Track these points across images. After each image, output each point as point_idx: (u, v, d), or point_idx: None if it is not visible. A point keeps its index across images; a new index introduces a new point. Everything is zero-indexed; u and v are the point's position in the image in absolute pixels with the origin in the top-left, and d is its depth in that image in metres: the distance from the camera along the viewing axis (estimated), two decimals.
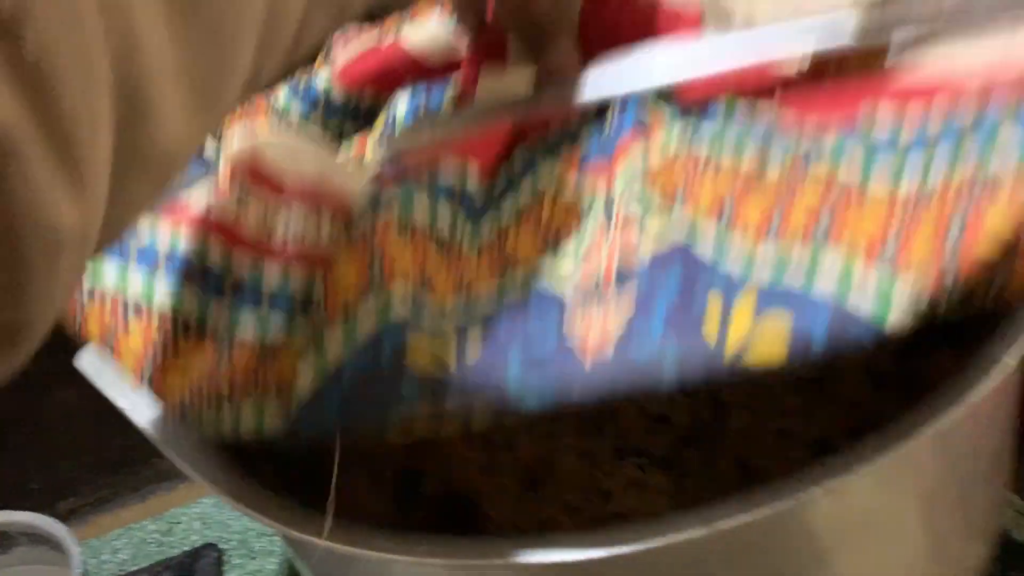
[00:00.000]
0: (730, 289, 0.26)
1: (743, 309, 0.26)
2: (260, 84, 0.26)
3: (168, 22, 0.21)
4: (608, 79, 0.35)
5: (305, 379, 0.28)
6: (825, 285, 0.26)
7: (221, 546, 0.63)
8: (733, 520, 0.26)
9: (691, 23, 0.37)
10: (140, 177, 0.21)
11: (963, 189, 0.25)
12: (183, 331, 0.32)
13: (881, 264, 0.25)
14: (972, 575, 0.40)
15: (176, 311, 0.32)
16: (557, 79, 0.38)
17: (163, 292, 0.33)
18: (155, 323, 0.32)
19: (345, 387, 0.28)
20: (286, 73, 0.28)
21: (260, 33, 0.23)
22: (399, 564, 0.33)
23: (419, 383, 0.27)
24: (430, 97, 0.41)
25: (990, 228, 0.24)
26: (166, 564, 0.62)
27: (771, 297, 0.26)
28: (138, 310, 0.32)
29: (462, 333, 0.29)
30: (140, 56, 0.20)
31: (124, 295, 0.33)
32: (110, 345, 0.33)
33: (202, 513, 0.66)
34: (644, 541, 0.27)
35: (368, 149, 0.42)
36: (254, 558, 0.62)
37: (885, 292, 0.25)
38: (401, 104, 0.41)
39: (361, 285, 0.29)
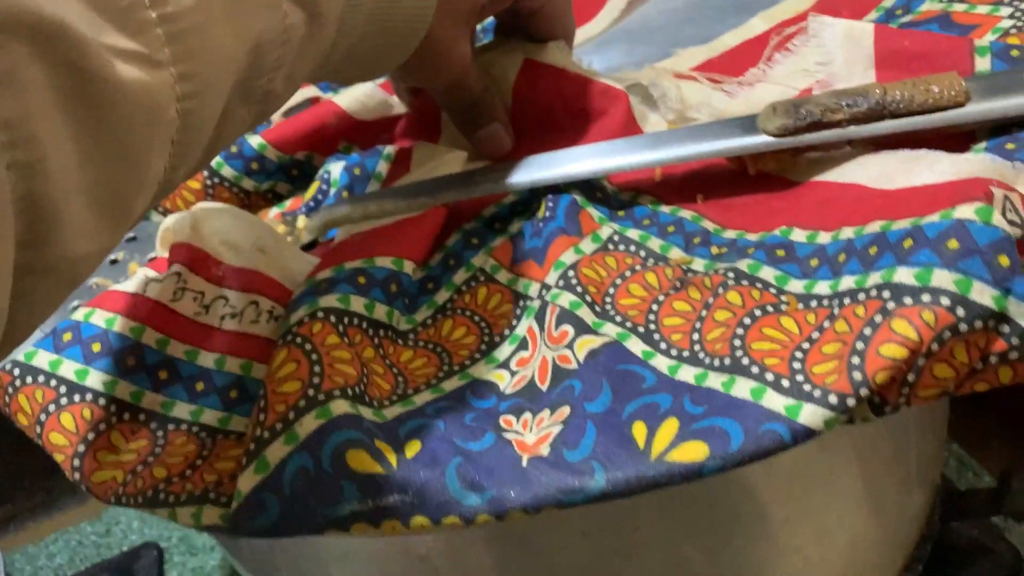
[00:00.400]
0: (653, 418, 0.27)
1: (667, 427, 0.27)
2: (176, 184, 0.26)
3: (75, 142, 0.20)
4: (540, 166, 0.36)
5: (245, 482, 0.28)
6: (740, 392, 0.27)
7: (161, 544, 0.61)
8: None
9: (619, 98, 0.38)
10: (46, 287, 0.21)
11: (872, 306, 0.26)
12: (119, 415, 0.32)
13: (792, 367, 0.26)
14: (913, 525, 0.40)
15: (110, 397, 0.32)
16: (490, 165, 0.38)
17: (97, 379, 0.32)
18: (89, 406, 0.32)
19: (285, 487, 0.27)
20: (207, 162, 0.28)
21: (174, 141, 0.23)
22: (326, 541, 0.33)
23: (359, 482, 0.27)
24: (364, 161, 0.41)
25: (897, 331, 0.25)
26: (104, 566, 0.60)
27: (691, 422, 0.27)
28: (71, 393, 0.32)
29: (401, 431, 0.29)
30: (45, 175, 0.20)
31: (57, 379, 0.33)
32: (40, 424, 0.32)
33: (141, 512, 0.64)
34: None
35: (301, 215, 0.42)
36: (195, 555, 0.61)
37: (797, 389, 0.26)
38: (335, 167, 0.41)
39: (301, 391, 0.29)
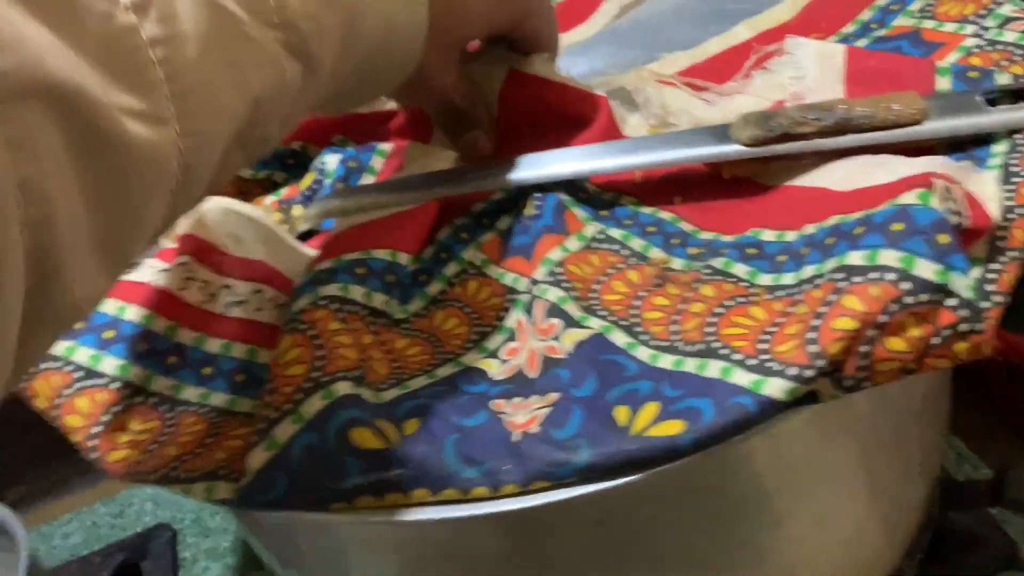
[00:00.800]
0: (635, 402, 0.29)
1: (648, 409, 0.29)
2: (169, 228, 0.27)
3: (83, 196, 0.21)
4: (526, 166, 0.38)
5: (255, 459, 0.30)
6: (712, 372, 0.29)
7: (175, 525, 0.62)
8: (675, 464, 0.28)
9: (600, 104, 0.40)
10: (48, 331, 0.22)
11: (827, 288, 0.28)
12: (131, 398, 0.33)
13: (758, 348, 0.28)
14: (913, 515, 0.41)
15: (123, 381, 0.34)
16: (479, 163, 0.40)
17: (110, 364, 0.34)
18: (102, 390, 0.34)
19: (292, 462, 0.29)
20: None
21: (173, 192, 0.24)
22: (346, 528, 0.34)
23: (362, 457, 0.29)
24: (359, 155, 0.43)
25: (847, 306, 0.27)
26: (119, 546, 0.61)
27: (669, 404, 0.28)
28: (87, 376, 0.34)
29: (399, 411, 0.31)
30: (55, 228, 0.20)
31: (73, 364, 0.34)
32: (56, 407, 0.34)
33: (154, 494, 0.66)
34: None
35: (298, 204, 0.43)
36: (208, 536, 0.62)
37: (760, 366, 0.28)
38: (331, 158, 0.43)
39: (306, 374, 0.31)
